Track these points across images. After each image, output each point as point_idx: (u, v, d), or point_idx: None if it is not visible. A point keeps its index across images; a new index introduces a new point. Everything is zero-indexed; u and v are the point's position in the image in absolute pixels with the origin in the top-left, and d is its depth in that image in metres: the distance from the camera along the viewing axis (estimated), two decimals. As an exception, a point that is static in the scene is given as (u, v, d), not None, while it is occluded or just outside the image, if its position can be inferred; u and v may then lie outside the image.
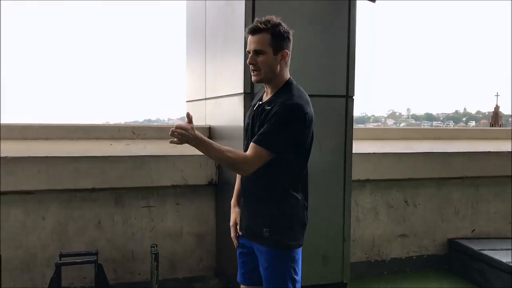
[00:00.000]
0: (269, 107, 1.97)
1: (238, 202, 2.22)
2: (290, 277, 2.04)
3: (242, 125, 2.73)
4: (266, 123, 1.95)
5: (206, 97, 3.93)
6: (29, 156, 3.09)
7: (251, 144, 1.95)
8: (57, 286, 2.97)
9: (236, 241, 2.20)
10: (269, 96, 2.05)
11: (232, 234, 2.21)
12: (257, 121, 2.02)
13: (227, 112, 3.41)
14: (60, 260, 3.01)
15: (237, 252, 2.24)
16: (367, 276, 4.02)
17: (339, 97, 3.21)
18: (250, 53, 1.99)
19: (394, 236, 4.16)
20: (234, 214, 2.22)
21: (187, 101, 4.79)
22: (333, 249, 3.31)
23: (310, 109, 2.00)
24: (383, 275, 4.10)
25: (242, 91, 3.01)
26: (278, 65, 2.00)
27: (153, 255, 3.06)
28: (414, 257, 4.24)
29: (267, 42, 1.95)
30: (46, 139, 3.46)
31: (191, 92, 4.64)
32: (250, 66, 2.01)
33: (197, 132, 1.84)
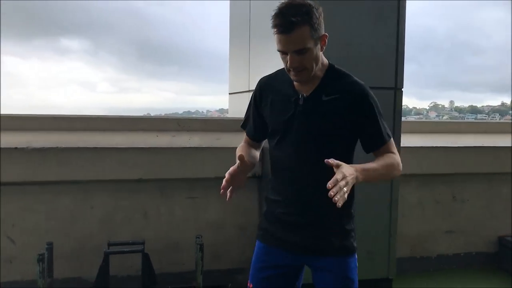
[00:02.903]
0: (329, 97, 1.69)
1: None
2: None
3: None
4: (357, 116, 1.69)
5: (250, 89, 3.92)
6: (78, 147, 3.16)
7: (386, 145, 1.75)
8: (106, 274, 3.04)
9: (226, 184, 1.72)
10: (312, 85, 1.72)
11: (226, 177, 1.72)
12: (315, 115, 1.70)
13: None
14: (108, 249, 3.08)
15: (260, 276, 1.86)
16: (412, 272, 3.93)
17: (387, 89, 3.14)
18: (285, 53, 1.62)
19: (440, 232, 4.04)
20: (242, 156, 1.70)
21: (230, 93, 4.82)
22: (379, 245, 3.26)
23: None
24: (429, 271, 4.00)
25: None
26: (320, 52, 1.70)
27: (199, 246, 3.09)
28: (461, 254, 4.11)
29: (307, 36, 1.58)
30: (95, 130, 3.55)
31: (234, 84, 4.66)
32: (289, 66, 1.64)
33: (352, 169, 1.54)
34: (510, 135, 4.70)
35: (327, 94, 1.71)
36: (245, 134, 2.02)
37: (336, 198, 1.42)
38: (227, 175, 1.73)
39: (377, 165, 1.68)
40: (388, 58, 3.15)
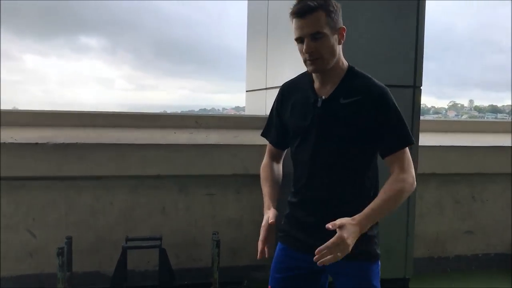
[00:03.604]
0: (348, 100, 1.68)
1: (272, 205, 1.83)
2: None
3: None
4: (375, 120, 1.66)
5: (267, 86, 3.93)
6: (98, 143, 3.20)
7: (395, 154, 1.68)
8: (123, 268, 3.08)
9: (261, 246, 1.74)
10: (331, 88, 1.72)
11: (261, 237, 1.75)
12: (333, 118, 1.69)
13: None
14: (126, 243, 3.12)
15: (279, 277, 1.85)
16: (429, 272, 3.90)
17: (406, 87, 3.12)
18: (301, 40, 1.64)
19: (459, 233, 4.00)
20: (269, 213, 1.78)
21: (247, 91, 4.83)
22: (396, 244, 3.24)
23: None
24: (447, 272, 3.96)
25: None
26: (338, 47, 1.69)
27: (215, 242, 3.10)
28: (480, 255, 4.06)
29: (323, 22, 1.61)
30: (115, 126, 3.59)
31: (251, 82, 4.67)
32: (306, 55, 1.65)
33: (351, 223, 1.52)
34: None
35: (346, 97, 1.69)
36: (267, 145, 2.00)
37: (320, 260, 1.47)
38: (261, 241, 1.76)
39: (382, 203, 1.62)
40: (407, 56, 3.12)
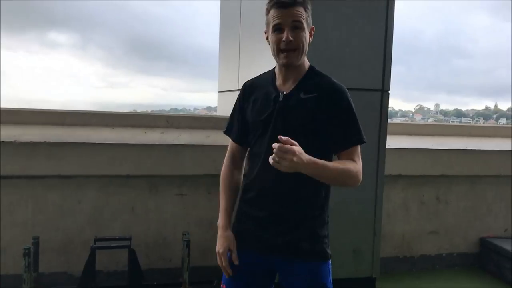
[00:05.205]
0: (307, 95, 1.73)
1: (229, 224, 1.85)
2: None
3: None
4: (330, 115, 1.72)
5: (239, 88, 3.94)
6: (67, 142, 3.15)
7: (350, 149, 1.74)
8: (92, 269, 3.05)
9: (229, 270, 1.80)
10: (292, 84, 1.77)
11: (225, 264, 1.79)
12: (293, 112, 1.73)
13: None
14: (95, 244, 3.09)
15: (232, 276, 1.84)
16: (395, 271, 3.99)
17: (374, 91, 3.18)
18: (280, 28, 1.68)
19: (424, 233, 4.12)
20: (227, 240, 1.81)
21: (219, 92, 4.83)
22: (363, 244, 3.30)
23: None
24: (412, 271, 4.07)
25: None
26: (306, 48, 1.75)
27: (185, 242, 3.10)
28: (444, 255, 4.19)
29: (303, 15, 1.68)
30: (84, 125, 3.54)
31: (223, 82, 4.68)
32: (282, 45, 1.68)
33: (306, 156, 1.55)
34: (494, 138, 4.81)
35: (306, 93, 1.74)
36: (229, 144, 1.99)
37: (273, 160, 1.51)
38: (227, 267, 1.81)
39: (332, 166, 1.66)
40: (375, 60, 3.18)
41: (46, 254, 3.16)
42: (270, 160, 1.52)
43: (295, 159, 1.51)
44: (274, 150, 1.51)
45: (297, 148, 1.52)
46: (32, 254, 2.86)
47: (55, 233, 3.25)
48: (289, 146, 1.51)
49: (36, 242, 2.96)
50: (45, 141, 3.10)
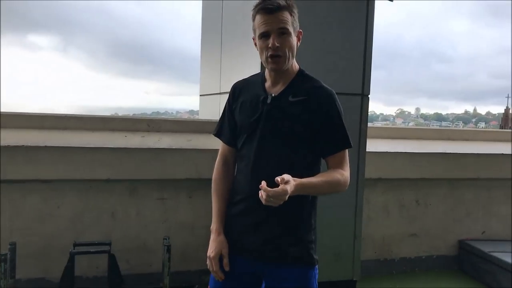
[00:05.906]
0: (296, 98, 1.74)
1: (222, 228, 1.85)
2: None
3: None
4: (318, 119, 1.72)
5: (221, 91, 3.95)
6: (46, 146, 3.11)
7: (337, 154, 1.77)
8: (71, 274, 3.01)
9: (221, 274, 1.80)
10: (281, 87, 1.78)
11: (216, 268, 1.79)
12: (281, 114, 1.73)
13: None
14: (74, 249, 3.05)
15: (218, 284, 1.85)
16: (376, 274, 4.03)
17: (354, 95, 3.22)
18: (266, 35, 1.69)
19: (404, 236, 4.16)
20: (220, 245, 1.80)
21: (201, 95, 4.83)
22: (344, 247, 3.33)
23: None
24: (392, 274, 4.11)
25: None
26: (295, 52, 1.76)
27: (166, 247, 3.08)
28: (423, 257, 4.24)
29: (289, 20, 1.69)
30: (64, 129, 3.50)
31: (205, 86, 4.68)
32: (269, 51, 1.69)
33: (292, 183, 1.54)
34: (473, 142, 4.89)
35: (294, 96, 1.75)
36: (220, 146, 1.98)
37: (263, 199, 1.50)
38: (219, 271, 1.81)
39: (319, 183, 1.67)
40: (355, 65, 3.22)
41: (24, 260, 3.11)
42: (262, 200, 1.51)
43: (287, 197, 1.52)
44: (265, 194, 1.49)
45: (289, 186, 1.52)
46: (9, 260, 2.81)
47: (34, 238, 3.21)
48: (282, 189, 1.49)
49: (13, 248, 2.91)
50: (24, 145, 3.06)
